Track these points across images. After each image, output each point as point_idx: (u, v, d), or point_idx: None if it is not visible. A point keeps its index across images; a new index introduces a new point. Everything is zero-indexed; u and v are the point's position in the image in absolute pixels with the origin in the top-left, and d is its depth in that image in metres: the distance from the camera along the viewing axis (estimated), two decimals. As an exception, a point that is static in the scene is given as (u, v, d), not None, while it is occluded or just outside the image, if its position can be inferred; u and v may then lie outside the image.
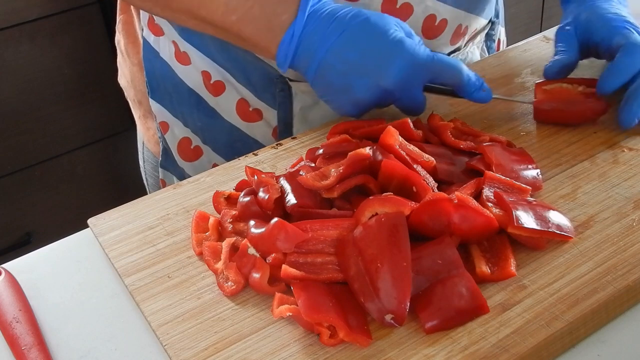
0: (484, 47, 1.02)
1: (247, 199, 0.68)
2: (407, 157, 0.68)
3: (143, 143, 1.08)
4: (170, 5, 0.78)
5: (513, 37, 1.11)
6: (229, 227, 0.68)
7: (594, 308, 0.57)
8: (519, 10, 2.30)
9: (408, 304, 0.57)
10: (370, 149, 0.67)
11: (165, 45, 0.93)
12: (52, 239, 0.73)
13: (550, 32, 1.03)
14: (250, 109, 0.91)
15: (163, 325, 0.60)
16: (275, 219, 0.62)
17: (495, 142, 0.74)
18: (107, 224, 0.72)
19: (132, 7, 0.98)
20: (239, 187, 0.73)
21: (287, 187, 0.67)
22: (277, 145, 0.81)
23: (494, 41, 1.02)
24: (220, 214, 0.70)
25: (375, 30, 0.74)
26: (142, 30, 0.95)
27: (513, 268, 0.61)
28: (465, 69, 0.76)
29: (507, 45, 0.99)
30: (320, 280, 0.60)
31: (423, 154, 0.69)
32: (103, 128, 1.88)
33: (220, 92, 0.91)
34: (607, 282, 0.59)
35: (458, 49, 0.95)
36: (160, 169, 1.01)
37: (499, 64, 0.93)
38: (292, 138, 0.82)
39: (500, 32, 1.04)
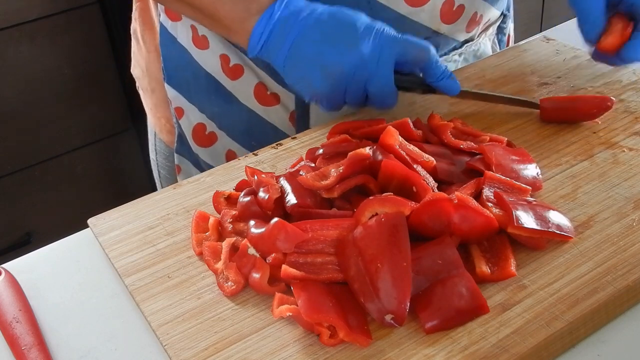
0: (495, 40, 1.03)
1: (247, 199, 0.68)
2: (407, 157, 0.68)
3: (155, 134, 1.08)
4: None
5: (513, 37, 1.11)
6: (229, 227, 0.68)
7: (594, 308, 0.57)
8: (519, 10, 2.30)
9: (408, 304, 0.57)
10: (370, 149, 0.67)
11: (183, 30, 0.92)
12: (52, 239, 0.73)
13: (550, 32, 1.03)
14: (268, 93, 0.91)
15: (163, 325, 0.60)
16: (275, 219, 0.62)
17: (495, 142, 0.74)
18: (107, 224, 0.72)
19: None
20: (239, 187, 0.73)
21: (287, 187, 0.67)
22: (277, 145, 0.81)
23: (505, 35, 1.03)
24: (220, 214, 0.70)
25: (352, 13, 0.77)
26: (160, 15, 0.95)
27: (513, 268, 0.61)
28: (433, 50, 0.77)
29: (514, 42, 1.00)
30: (320, 280, 0.60)
31: (423, 154, 0.69)
32: (103, 128, 1.88)
33: (239, 75, 0.91)
34: (607, 282, 0.60)
35: (471, 39, 0.96)
36: (175, 155, 1.01)
37: (499, 64, 0.93)
38: (292, 138, 0.82)
39: (510, 27, 1.05)
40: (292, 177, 0.68)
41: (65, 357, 0.60)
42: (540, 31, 1.15)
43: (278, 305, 0.59)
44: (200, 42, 0.92)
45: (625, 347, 0.58)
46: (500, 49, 1.04)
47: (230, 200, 0.72)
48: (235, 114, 0.93)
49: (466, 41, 0.96)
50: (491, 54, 1.01)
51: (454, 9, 0.89)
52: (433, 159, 0.69)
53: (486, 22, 0.97)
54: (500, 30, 1.03)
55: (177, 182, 0.80)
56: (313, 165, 0.72)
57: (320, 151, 0.73)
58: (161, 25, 0.94)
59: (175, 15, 0.92)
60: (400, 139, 0.69)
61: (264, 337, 0.58)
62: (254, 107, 0.92)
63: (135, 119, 1.89)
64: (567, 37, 0.98)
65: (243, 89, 0.92)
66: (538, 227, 0.62)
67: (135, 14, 1.01)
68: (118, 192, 1.96)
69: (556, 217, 0.64)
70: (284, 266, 0.59)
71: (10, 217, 1.81)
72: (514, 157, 0.71)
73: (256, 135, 0.93)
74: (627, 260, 0.61)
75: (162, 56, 0.95)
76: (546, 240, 0.64)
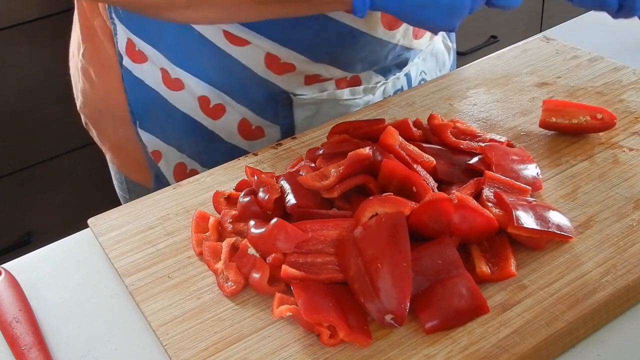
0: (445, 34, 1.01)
1: (247, 199, 0.68)
2: (407, 157, 0.68)
3: (124, 177, 1.02)
4: None
5: (513, 37, 1.11)
6: (229, 227, 0.68)
7: (594, 308, 0.57)
8: (519, 10, 2.30)
9: (408, 304, 0.57)
10: (370, 149, 0.67)
11: (151, 72, 0.88)
12: (52, 239, 0.73)
13: (550, 32, 1.03)
14: (252, 127, 0.89)
15: (163, 325, 0.60)
16: (275, 219, 0.62)
17: (495, 142, 0.74)
18: (107, 224, 0.72)
19: (101, 34, 0.91)
20: (239, 187, 0.73)
21: (287, 187, 0.67)
22: (277, 145, 0.81)
23: None
24: (220, 214, 0.70)
25: None
26: (120, 57, 0.89)
27: (513, 268, 0.61)
28: None
29: (507, 46, 0.99)
30: (320, 281, 0.60)
31: (423, 154, 0.69)
32: (103, 128, 1.88)
33: (220, 115, 0.88)
34: (607, 282, 0.59)
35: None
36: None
37: (499, 64, 0.93)
38: (292, 138, 0.82)
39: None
40: (292, 177, 0.68)
41: (65, 357, 0.60)
42: (540, 31, 1.15)
43: (278, 305, 0.59)
44: (173, 84, 0.88)
45: (625, 347, 0.58)
46: (451, 42, 1.03)
47: (230, 200, 0.72)
48: (218, 151, 0.90)
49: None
50: (444, 50, 1.01)
51: None
52: (433, 159, 0.69)
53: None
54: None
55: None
56: (313, 165, 0.72)
57: (320, 151, 0.72)
58: (124, 69, 0.89)
59: (140, 57, 0.88)
60: (400, 139, 0.69)
61: (264, 337, 0.58)
62: (238, 143, 0.90)
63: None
64: (567, 37, 0.98)
65: (226, 127, 0.89)
66: (538, 227, 0.62)
67: (82, 54, 0.95)
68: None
69: (556, 217, 0.64)
70: (284, 266, 0.59)
71: (10, 217, 1.81)
72: (514, 157, 0.71)
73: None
74: (627, 260, 0.61)
75: (129, 101, 0.90)
76: (546, 240, 0.64)
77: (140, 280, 0.65)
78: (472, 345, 0.56)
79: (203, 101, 0.88)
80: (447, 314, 0.57)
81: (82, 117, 1.01)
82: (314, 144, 0.80)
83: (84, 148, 1.86)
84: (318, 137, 0.82)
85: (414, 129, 0.74)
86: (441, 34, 1.00)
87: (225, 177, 0.77)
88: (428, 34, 0.92)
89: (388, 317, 0.57)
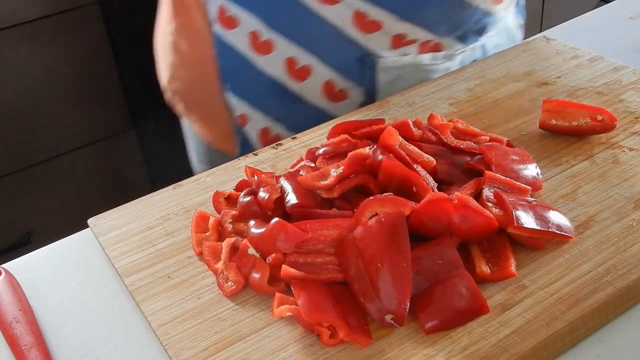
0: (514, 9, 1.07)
1: (247, 199, 0.68)
2: (407, 157, 0.68)
3: (207, 145, 1.06)
4: None
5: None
6: (229, 227, 0.68)
7: (594, 308, 0.57)
8: (519, 10, 2.30)
9: (408, 304, 0.57)
10: (370, 149, 0.67)
11: (240, 38, 0.92)
12: (52, 239, 0.73)
13: (550, 32, 1.03)
14: (336, 89, 0.92)
15: (163, 325, 0.60)
16: (275, 219, 0.62)
17: (495, 142, 0.74)
18: (107, 224, 0.72)
19: (193, 5, 0.96)
20: (239, 187, 0.73)
21: (287, 187, 0.67)
22: (277, 145, 0.81)
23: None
24: (220, 214, 0.70)
25: None
26: (211, 26, 0.93)
27: (513, 268, 0.61)
28: None
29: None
30: (320, 281, 0.60)
31: (423, 154, 0.69)
32: (103, 128, 1.88)
33: (306, 77, 0.92)
34: (607, 282, 0.59)
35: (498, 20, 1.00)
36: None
37: (499, 64, 0.93)
38: (292, 138, 0.82)
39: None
40: (292, 177, 0.68)
41: (65, 357, 0.60)
42: (540, 31, 1.15)
43: (278, 305, 0.59)
44: (262, 48, 0.91)
45: (625, 347, 0.58)
46: (520, 20, 1.08)
47: (230, 200, 0.72)
48: (302, 113, 0.94)
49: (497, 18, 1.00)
50: (515, 27, 1.06)
51: None
52: (433, 159, 0.69)
53: None
54: None
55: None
56: (313, 165, 0.72)
57: (320, 151, 0.72)
58: (215, 36, 0.93)
59: (232, 23, 0.92)
60: (400, 139, 0.69)
61: (264, 337, 0.58)
62: (322, 105, 0.93)
63: (135, 119, 1.89)
64: (567, 37, 0.98)
65: (311, 89, 0.92)
66: (538, 227, 0.62)
67: (172, 29, 1.00)
68: (118, 192, 1.96)
69: (556, 217, 0.64)
70: (284, 266, 0.59)
71: (10, 217, 1.81)
72: (514, 157, 0.71)
73: None
74: (627, 260, 0.61)
75: (221, 66, 0.94)
76: (546, 240, 0.64)
77: (140, 280, 0.65)
78: (472, 345, 0.56)
79: (290, 63, 0.91)
80: (447, 314, 0.57)
81: (169, 92, 1.06)
82: (314, 144, 0.80)
83: (84, 148, 1.86)
84: (318, 137, 0.82)
85: (414, 129, 0.74)
86: (514, 10, 1.05)
87: (225, 177, 0.77)
88: (506, 0, 0.96)
89: (388, 317, 0.57)
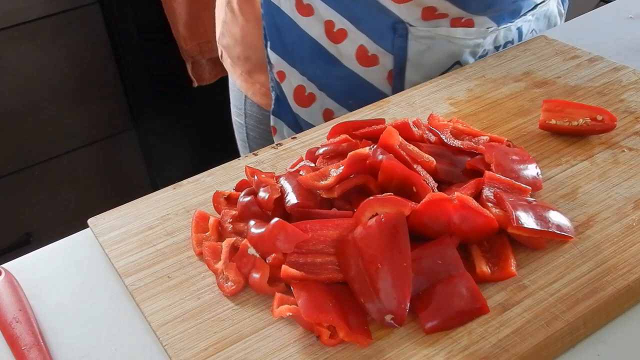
0: (559, 0, 1.10)
1: (247, 199, 0.68)
2: (407, 157, 0.68)
3: (245, 98, 1.14)
4: None
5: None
6: (229, 227, 0.68)
7: (594, 308, 0.57)
8: (519, 10, 2.30)
9: (408, 305, 0.57)
10: (370, 149, 0.67)
11: (287, 0, 0.98)
12: (52, 239, 0.73)
13: (550, 32, 1.03)
14: (369, 54, 0.96)
15: (163, 325, 0.60)
16: (275, 219, 0.62)
17: (495, 142, 0.74)
18: (107, 224, 0.72)
19: None
20: (239, 187, 0.73)
21: (287, 187, 0.67)
22: (277, 145, 0.81)
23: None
24: (220, 214, 0.70)
25: None
26: None
27: (513, 268, 0.61)
28: None
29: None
30: (320, 281, 0.60)
31: (423, 154, 0.69)
32: (103, 128, 1.88)
33: (342, 39, 0.96)
34: (607, 282, 0.59)
35: (543, 0, 1.02)
36: (272, 117, 1.08)
37: (499, 64, 0.93)
38: (292, 138, 0.82)
39: None
40: (292, 177, 0.68)
41: (65, 357, 0.60)
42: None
43: (278, 305, 0.59)
44: (305, 10, 0.97)
45: (625, 347, 0.58)
46: (564, 9, 1.10)
47: (230, 200, 0.72)
48: (336, 75, 0.99)
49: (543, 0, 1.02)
50: (557, 14, 1.09)
51: None
52: (433, 159, 0.69)
53: None
54: None
55: (270, 143, 0.84)
56: (313, 165, 0.72)
57: (320, 151, 0.72)
58: None
59: None
60: (400, 139, 0.69)
61: (264, 337, 0.58)
62: (355, 68, 0.97)
63: (135, 119, 1.89)
64: (567, 37, 0.98)
65: (346, 52, 0.97)
66: (538, 227, 0.62)
67: None
68: (118, 192, 1.96)
69: (556, 217, 0.64)
70: (284, 266, 0.59)
71: (10, 217, 1.81)
72: (514, 157, 0.71)
73: (355, 94, 0.99)
74: (627, 260, 0.61)
75: (266, 24, 1.00)
76: (546, 240, 0.64)
77: (140, 280, 0.65)
78: (472, 345, 0.56)
79: (328, 25, 0.96)
80: (447, 314, 0.57)
81: (219, 48, 1.16)
82: (314, 144, 0.80)
83: (84, 148, 1.86)
84: (318, 137, 0.82)
85: (414, 129, 0.74)
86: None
87: (225, 177, 0.77)
88: None
89: (388, 317, 0.57)
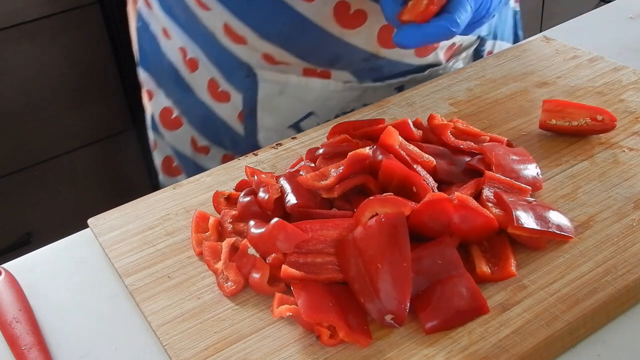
0: (471, 62, 0.99)
1: (247, 199, 0.68)
2: (407, 157, 0.68)
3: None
4: None
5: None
6: (229, 227, 0.68)
7: (594, 308, 0.57)
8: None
9: (408, 305, 0.57)
10: (370, 149, 0.67)
11: (155, 19, 0.97)
12: (52, 239, 0.73)
13: (550, 32, 1.03)
14: (219, 90, 0.93)
15: (163, 325, 0.60)
16: (275, 219, 0.62)
17: (495, 142, 0.74)
18: (107, 224, 0.72)
19: None
20: (239, 187, 0.73)
21: (287, 187, 0.67)
22: (277, 145, 0.81)
23: (482, 56, 1.00)
24: (220, 214, 0.70)
25: None
26: (138, 1, 1.00)
27: (513, 268, 0.61)
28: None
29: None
30: (320, 281, 0.60)
31: (423, 154, 0.69)
32: (103, 128, 1.88)
33: (195, 69, 0.94)
34: (607, 282, 0.60)
35: (438, 64, 0.93)
36: (151, 131, 1.07)
37: (499, 64, 0.93)
38: (292, 138, 0.82)
39: (495, 44, 1.02)
40: (292, 177, 0.68)
41: (65, 357, 0.60)
42: (540, 31, 1.15)
43: (278, 305, 0.59)
44: (166, 33, 0.96)
45: (625, 347, 0.58)
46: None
47: (230, 200, 0.72)
48: (193, 104, 0.97)
49: (431, 65, 0.92)
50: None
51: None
52: (433, 159, 0.69)
53: (456, 47, 0.95)
54: (477, 53, 0.99)
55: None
56: (313, 165, 0.72)
57: (320, 151, 0.72)
58: (138, 11, 0.99)
59: (149, 3, 0.97)
60: (400, 139, 0.69)
61: (264, 337, 0.58)
62: (207, 101, 0.95)
63: (135, 119, 1.89)
64: (567, 37, 0.98)
65: (199, 82, 0.95)
66: (538, 227, 0.62)
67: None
68: (118, 192, 1.96)
69: (556, 217, 0.64)
70: (284, 266, 0.59)
71: (10, 217, 1.81)
72: (514, 157, 0.71)
73: (210, 127, 0.96)
74: (627, 260, 0.61)
75: (138, 39, 1.01)
76: (546, 240, 0.64)
77: (140, 280, 0.65)
78: (472, 345, 0.56)
79: (182, 52, 0.95)
80: (447, 314, 0.57)
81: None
82: (314, 144, 0.80)
83: (84, 148, 1.87)
84: (318, 137, 0.82)
85: (414, 129, 0.74)
86: (469, 54, 0.98)
87: (225, 177, 0.77)
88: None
89: (388, 317, 0.57)
